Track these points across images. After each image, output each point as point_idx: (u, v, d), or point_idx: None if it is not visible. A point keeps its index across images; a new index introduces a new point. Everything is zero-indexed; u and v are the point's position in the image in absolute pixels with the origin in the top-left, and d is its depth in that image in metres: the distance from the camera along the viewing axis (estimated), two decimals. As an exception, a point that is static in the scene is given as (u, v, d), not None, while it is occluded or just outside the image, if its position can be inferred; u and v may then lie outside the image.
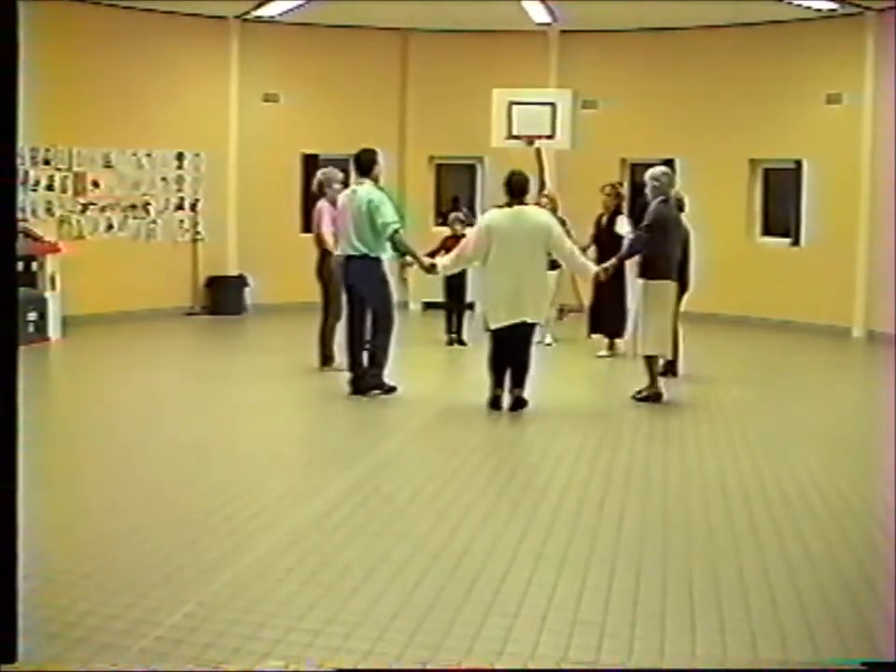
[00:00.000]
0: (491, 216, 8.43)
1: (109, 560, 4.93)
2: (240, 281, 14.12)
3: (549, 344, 11.25)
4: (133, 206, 13.39)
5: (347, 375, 8.91)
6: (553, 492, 6.18)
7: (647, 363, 8.79)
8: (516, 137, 12.92)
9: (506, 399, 8.33)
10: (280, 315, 13.43)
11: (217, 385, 9.53)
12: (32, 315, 11.15)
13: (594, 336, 11.05)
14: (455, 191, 15.40)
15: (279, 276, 13.48)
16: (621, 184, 11.97)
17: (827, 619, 4.36)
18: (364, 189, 8.70)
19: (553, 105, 12.89)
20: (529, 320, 8.33)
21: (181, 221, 13.87)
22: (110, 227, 13.21)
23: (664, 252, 8.66)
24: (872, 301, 12.73)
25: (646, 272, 8.71)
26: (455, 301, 11.69)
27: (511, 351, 8.31)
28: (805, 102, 13.26)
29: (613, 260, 8.92)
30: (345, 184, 9.93)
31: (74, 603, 4.33)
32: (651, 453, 7.20)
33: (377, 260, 8.71)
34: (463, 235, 10.73)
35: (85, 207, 12.96)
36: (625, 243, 9.55)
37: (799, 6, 12.32)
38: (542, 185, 12.40)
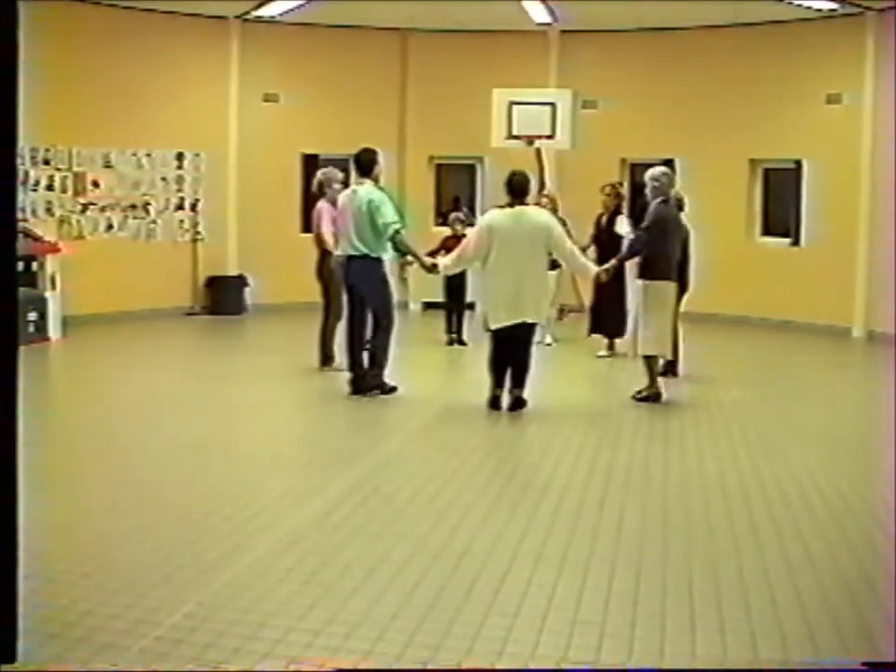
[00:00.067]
0: (492, 216, 8.43)
1: (109, 560, 4.93)
2: (240, 281, 14.12)
3: (549, 344, 11.25)
4: (133, 206, 13.40)
5: (347, 375, 8.91)
6: (552, 492, 6.18)
7: (646, 363, 8.79)
8: (516, 137, 12.92)
9: (506, 399, 8.33)
10: (280, 315, 13.43)
11: (217, 385, 9.53)
12: (32, 315, 11.16)
13: (593, 336, 11.05)
14: (454, 191, 15.41)
15: (279, 276, 13.48)
16: (620, 184, 11.97)
17: (827, 619, 4.36)
18: (365, 190, 8.70)
19: (552, 104, 12.89)
20: (529, 320, 8.33)
21: (181, 221, 13.88)
22: (110, 227, 13.21)
23: (663, 253, 8.66)
24: (872, 301, 12.73)
25: (646, 272, 8.71)
26: (454, 301, 11.69)
27: (511, 351, 8.32)
28: (805, 102, 13.26)
29: (614, 261, 8.92)
30: (345, 184, 9.94)
31: (74, 603, 4.33)
32: (650, 453, 7.20)
33: (378, 260, 8.71)
34: (463, 235, 10.74)
35: (85, 207, 12.96)
36: (625, 243, 9.56)
37: (799, 6, 12.32)
38: (542, 185, 12.40)
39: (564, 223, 9.49)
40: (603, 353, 10.89)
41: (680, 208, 9.41)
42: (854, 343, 12.83)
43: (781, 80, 13.31)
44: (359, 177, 8.86)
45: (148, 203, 13.54)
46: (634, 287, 9.03)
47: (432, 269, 8.91)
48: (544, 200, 10.95)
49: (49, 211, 12.60)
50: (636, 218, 10.23)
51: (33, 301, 11.16)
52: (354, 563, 4.89)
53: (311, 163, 13.68)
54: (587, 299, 11.22)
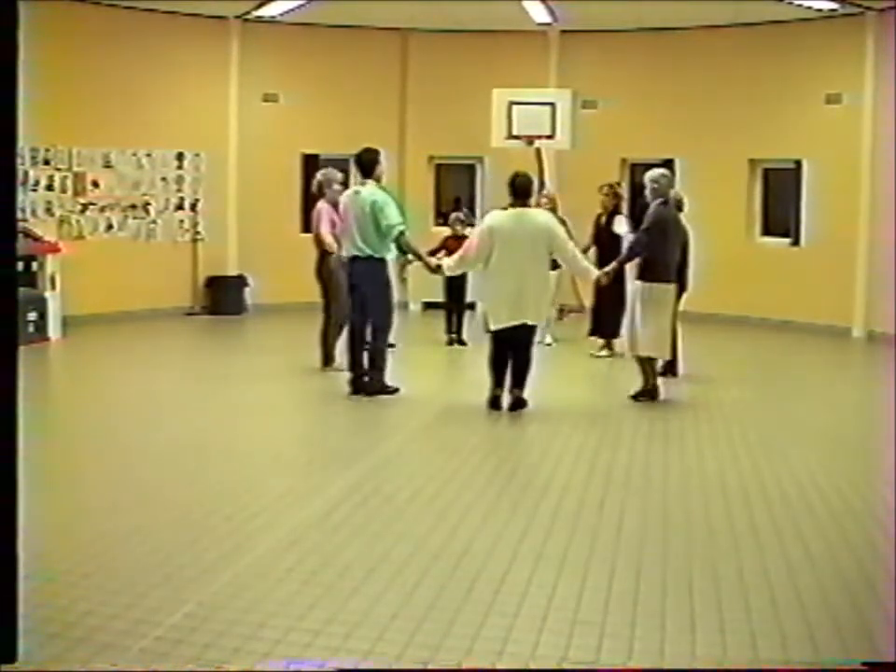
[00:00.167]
0: (493, 217, 8.43)
1: (109, 560, 4.93)
2: (240, 281, 14.12)
3: (549, 344, 11.25)
4: (133, 206, 13.40)
5: (347, 375, 8.91)
6: (552, 492, 6.18)
7: (640, 362, 8.81)
8: (516, 137, 12.93)
9: (506, 399, 8.33)
10: (280, 315, 13.43)
11: (217, 385, 9.53)
12: (32, 315, 11.16)
13: (592, 337, 11.04)
14: (454, 191, 15.41)
15: (279, 276, 13.49)
16: (619, 184, 11.97)
17: (827, 619, 4.36)
18: (367, 191, 8.69)
19: (553, 105, 12.89)
20: (530, 322, 8.34)
21: (181, 221, 13.88)
22: (110, 227, 13.21)
23: (663, 254, 8.66)
24: (872, 301, 12.73)
25: (645, 274, 8.71)
26: (454, 301, 11.69)
27: (511, 352, 8.33)
28: (805, 102, 13.26)
29: (614, 264, 8.92)
30: (345, 185, 9.96)
31: (74, 603, 4.33)
32: (651, 453, 7.20)
33: (382, 261, 8.70)
34: (464, 236, 10.77)
35: (85, 207, 12.96)
36: (624, 244, 9.55)
37: (799, 6, 12.32)
38: (542, 185, 12.40)
39: (564, 223, 9.49)
40: (602, 353, 10.89)
41: (680, 209, 9.41)
42: (854, 342, 12.83)
43: (781, 80, 13.31)
44: (361, 178, 8.85)
45: (148, 203, 13.54)
46: (633, 287, 9.03)
47: (436, 270, 8.92)
48: (544, 200, 10.95)
49: (48, 211, 12.60)
50: (635, 219, 10.23)
51: (33, 300, 11.16)
52: (354, 563, 4.89)
53: (311, 163, 13.67)
54: (587, 299, 11.22)
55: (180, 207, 13.86)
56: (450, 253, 10.15)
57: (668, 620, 4.31)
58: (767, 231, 13.99)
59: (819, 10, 12.53)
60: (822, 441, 7.74)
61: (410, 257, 9.45)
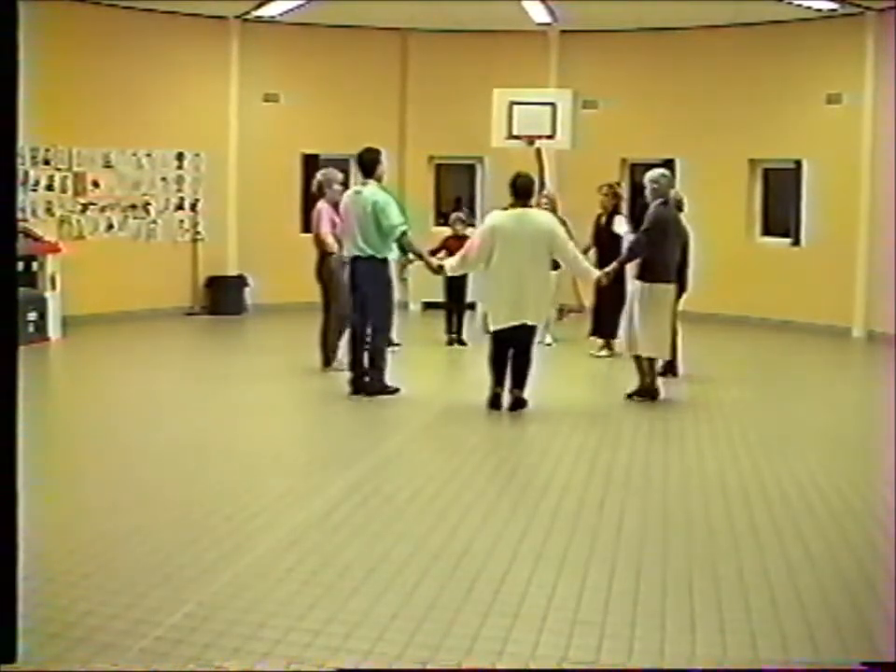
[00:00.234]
0: (495, 217, 8.42)
1: (109, 560, 4.93)
2: (240, 281, 14.12)
3: (549, 344, 11.25)
4: (133, 206, 13.40)
5: (348, 375, 8.91)
6: (552, 492, 6.18)
7: (637, 362, 8.82)
8: (516, 137, 12.92)
9: (506, 398, 8.33)
10: (280, 315, 13.43)
11: (217, 384, 9.53)
12: (32, 315, 11.16)
13: (593, 338, 11.05)
14: (454, 191, 15.41)
15: (279, 276, 13.49)
16: (618, 184, 11.95)
17: (827, 619, 4.36)
18: (369, 191, 8.68)
19: (553, 104, 12.89)
20: (530, 322, 8.34)
21: (181, 221, 13.88)
22: (110, 227, 13.22)
23: (662, 255, 8.66)
24: (872, 301, 12.73)
25: (645, 274, 8.72)
26: (455, 301, 11.69)
27: (511, 352, 8.33)
28: (805, 102, 13.26)
29: (614, 265, 8.92)
30: (345, 185, 9.96)
31: (74, 603, 4.33)
32: (651, 453, 7.20)
33: (384, 262, 8.69)
34: (464, 235, 10.77)
35: (85, 207, 12.96)
36: (624, 244, 9.55)
37: (799, 6, 12.32)
38: (542, 185, 12.40)
39: (564, 223, 9.49)
40: (602, 353, 10.89)
41: (680, 209, 9.41)
42: (854, 342, 12.83)
43: (781, 80, 13.31)
44: (362, 177, 8.85)
45: (148, 203, 13.54)
46: (632, 287, 9.03)
47: (439, 270, 8.92)
48: (543, 200, 10.94)
49: (48, 211, 12.60)
50: (636, 220, 10.22)
51: (33, 300, 11.16)
52: (354, 563, 4.89)
53: (311, 163, 13.67)
54: (587, 300, 11.22)
55: (180, 207, 13.86)
56: (451, 253, 10.16)
57: (668, 620, 4.31)
58: (767, 231, 14.00)
59: (819, 10, 12.53)
60: (822, 441, 7.74)
61: (411, 257, 9.44)
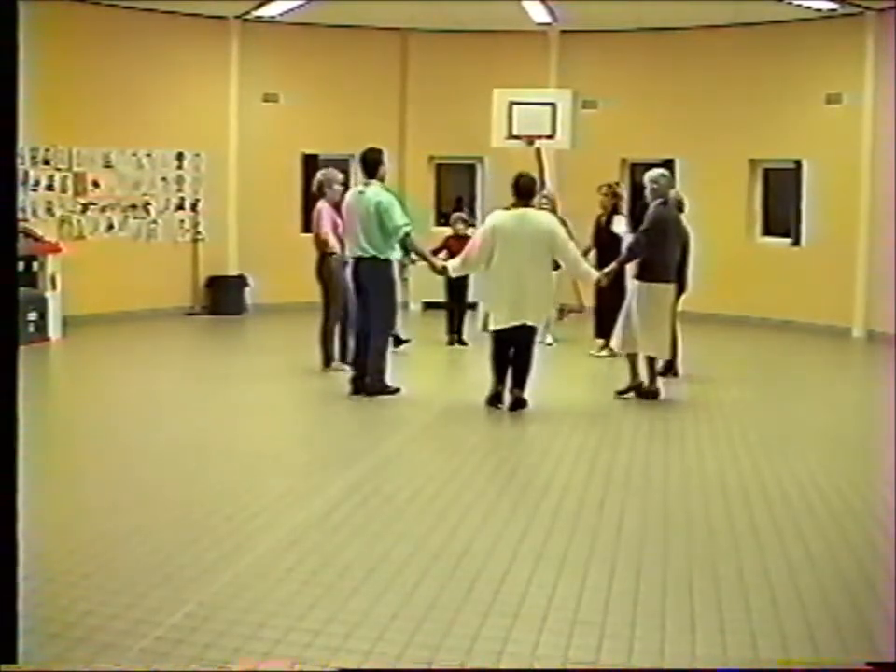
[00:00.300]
0: (496, 217, 8.42)
1: (109, 560, 4.93)
2: (240, 281, 14.12)
3: (549, 344, 11.25)
4: (134, 206, 13.40)
5: (348, 375, 8.91)
6: (553, 492, 6.18)
7: (630, 360, 8.83)
8: (516, 137, 12.93)
9: (506, 397, 8.33)
10: (280, 315, 13.43)
11: (217, 384, 9.53)
12: (32, 315, 11.16)
13: (599, 339, 11.05)
14: (454, 191, 15.42)
15: (279, 276, 13.49)
16: (617, 184, 11.93)
17: (827, 619, 4.36)
18: (372, 191, 8.67)
19: (553, 104, 12.89)
20: (530, 322, 8.34)
21: (181, 221, 13.88)
22: (110, 227, 13.22)
23: (662, 255, 8.67)
24: (872, 301, 12.73)
25: (644, 274, 8.72)
26: (456, 301, 11.68)
27: (512, 352, 8.33)
28: (805, 102, 13.26)
29: (614, 265, 8.93)
30: (345, 185, 9.96)
31: (74, 603, 4.33)
32: (651, 453, 7.20)
33: (387, 262, 8.68)
34: (465, 235, 10.78)
35: (85, 207, 12.96)
36: (623, 244, 9.55)
37: (799, 6, 12.32)
38: (542, 185, 12.39)
39: (564, 223, 9.50)
40: (601, 353, 10.88)
41: (680, 209, 9.41)
42: (854, 342, 12.83)
43: (781, 80, 13.31)
44: (365, 177, 8.83)
45: (149, 203, 13.54)
46: (631, 286, 9.03)
47: (442, 271, 8.92)
48: (543, 200, 10.93)
49: (49, 211, 12.61)
50: (636, 220, 10.22)
51: (33, 300, 11.16)
52: (354, 563, 4.89)
53: (311, 163, 13.68)
54: (588, 300, 11.21)
55: (180, 207, 13.86)
56: (452, 253, 10.17)
57: (668, 620, 4.31)
58: (767, 231, 14.00)
59: (819, 10, 12.53)
60: (822, 441, 7.74)
61: (414, 257, 9.45)
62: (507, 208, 8.41)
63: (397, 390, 8.79)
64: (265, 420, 8.34)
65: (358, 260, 8.71)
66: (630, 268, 9.17)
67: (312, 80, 14.39)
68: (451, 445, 7.44)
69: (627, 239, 9.78)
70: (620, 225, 10.78)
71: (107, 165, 13.12)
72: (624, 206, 11.54)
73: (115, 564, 4.87)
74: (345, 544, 5.19)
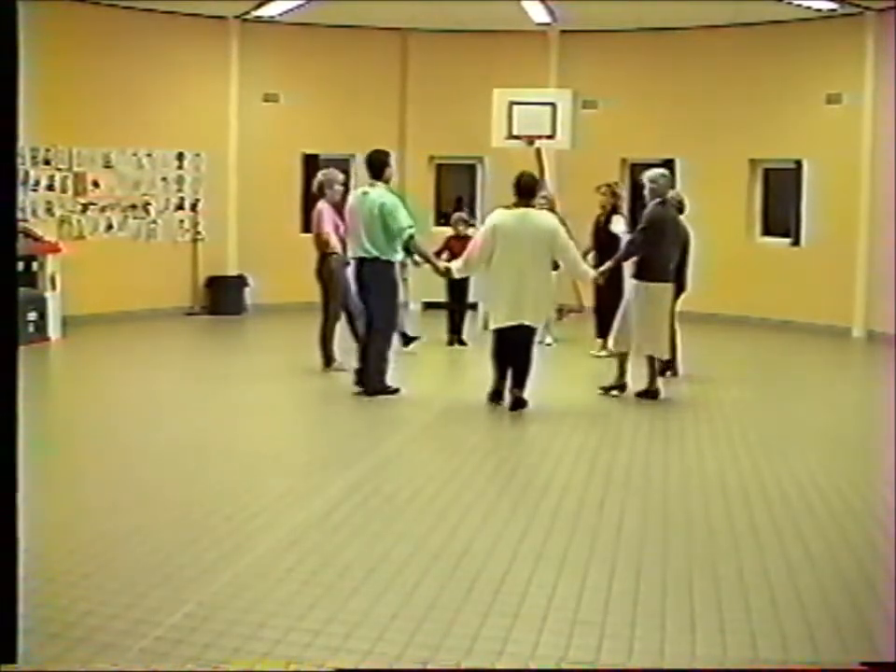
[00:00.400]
0: (497, 216, 8.42)
1: (109, 560, 4.93)
2: (240, 281, 14.12)
3: (549, 344, 11.25)
4: (134, 206, 13.40)
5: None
6: (553, 492, 6.18)
7: (619, 358, 8.92)
8: (516, 137, 12.92)
9: (507, 394, 8.34)
10: (280, 315, 13.43)
11: (217, 384, 9.53)
12: (32, 315, 11.16)
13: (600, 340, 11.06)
14: (455, 191, 15.41)
15: (279, 276, 13.49)
16: (616, 184, 11.93)
17: (827, 619, 4.36)
18: (376, 192, 8.66)
19: (553, 104, 12.89)
20: (529, 323, 8.34)
21: (181, 221, 13.88)
22: (110, 227, 13.21)
23: (659, 254, 8.68)
24: (872, 301, 12.73)
25: (641, 273, 8.73)
26: (456, 301, 11.68)
27: (511, 351, 8.34)
28: (805, 102, 13.26)
29: (609, 263, 8.96)
30: (345, 185, 9.97)
31: (74, 603, 4.33)
32: (651, 453, 7.20)
33: (389, 263, 8.67)
34: (466, 235, 10.78)
35: (85, 207, 12.96)
36: (622, 244, 9.56)
37: (799, 6, 12.32)
38: (541, 185, 12.39)
39: (563, 223, 9.49)
40: (601, 353, 10.88)
41: (681, 210, 9.41)
42: (854, 343, 12.83)
43: (781, 80, 13.32)
44: (370, 178, 8.82)
45: (149, 203, 13.54)
46: (628, 285, 9.04)
47: (446, 273, 8.92)
48: (542, 200, 10.92)
49: (49, 211, 12.60)
50: (635, 220, 10.22)
51: (33, 300, 11.16)
52: (354, 563, 4.89)
53: (311, 163, 13.69)
54: (587, 300, 11.21)
55: (180, 207, 13.86)
56: (453, 253, 10.19)
57: (668, 620, 4.31)
58: (767, 231, 14.00)
59: (819, 10, 12.53)
60: (822, 441, 7.74)
61: (418, 259, 9.46)
62: (508, 207, 8.41)
63: (397, 390, 8.79)
64: (265, 420, 8.34)
65: (361, 262, 8.70)
66: (628, 267, 9.18)
67: (312, 80, 14.39)
68: (451, 445, 7.44)
69: (626, 239, 9.78)
70: (618, 225, 10.77)
71: (107, 165, 13.12)
72: (624, 206, 11.54)
73: (115, 564, 4.87)
74: (345, 544, 5.19)
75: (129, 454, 6.97)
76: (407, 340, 10.81)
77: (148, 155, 13.48)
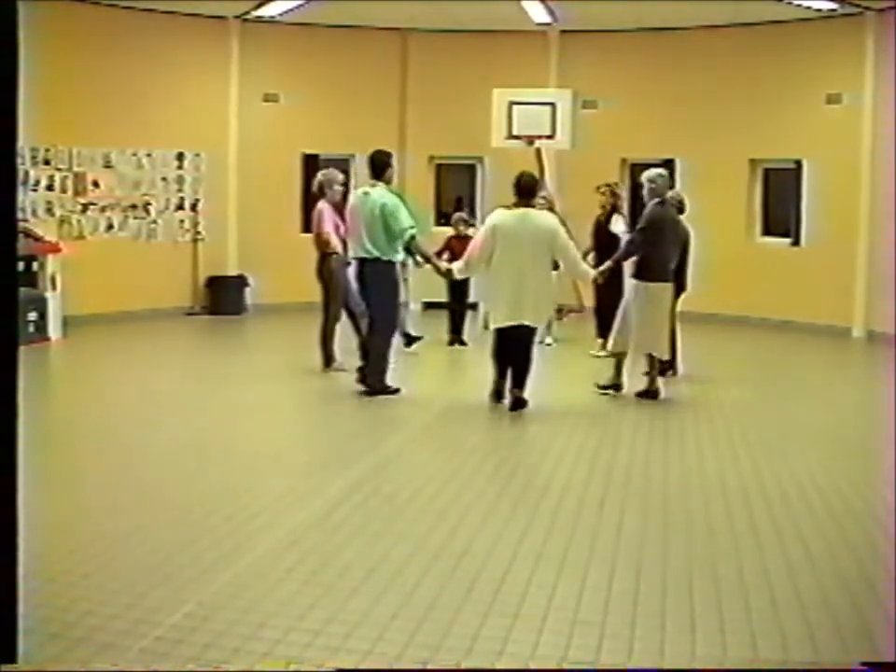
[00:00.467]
0: (497, 215, 8.42)
1: (109, 560, 4.93)
2: (240, 281, 14.12)
3: (549, 344, 11.25)
4: (134, 206, 13.40)
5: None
6: (553, 492, 6.18)
7: (616, 359, 8.94)
8: (516, 137, 12.92)
9: (507, 391, 8.34)
10: (280, 315, 13.43)
11: (217, 384, 9.53)
12: (32, 315, 11.15)
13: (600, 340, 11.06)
14: (455, 191, 15.41)
15: (279, 276, 13.49)
16: (616, 184, 11.93)
17: (827, 619, 4.36)
18: (378, 193, 8.65)
19: (553, 104, 12.89)
20: (528, 323, 8.34)
21: (181, 221, 13.88)
22: (110, 227, 13.21)
23: (658, 254, 8.68)
24: (872, 301, 12.73)
25: (640, 273, 8.74)
26: (457, 301, 11.68)
27: (511, 351, 8.35)
28: (805, 102, 13.26)
29: (608, 263, 8.97)
30: (345, 185, 9.97)
31: (74, 603, 4.33)
32: (651, 453, 7.20)
33: (390, 264, 8.67)
34: (467, 236, 10.78)
35: (85, 207, 12.96)
36: (622, 244, 9.56)
37: (799, 6, 12.32)
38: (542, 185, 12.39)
39: (563, 224, 9.49)
40: (601, 353, 10.87)
41: (681, 210, 9.41)
42: (854, 343, 12.83)
43: (781, 80, 13.32)
44: (372, 178, 8.82)
45: (149, 203, 13.54)
46: (627, 285, 9.04)
47: (447, 274, 8.92)
48: (541, 201, 10.92)
49: (49, 211, 12.60)
50: (635, 220, 10.22)
51: (33, 300, 11.16)
52: (354, 563, 4.89)
53: (311, 163, 13.69)
54: (587, 300, 11.21)
55: (180, 207, 13.86)
56: (453, 253, 10.19)
57: (668, 620, 4.31)
58: (767, 231, 13.99)
59: (819, 10, 12.53)
60: (822, 441, 7.74)
61: (419, 259, 9.46)
62: (508, 207, 8.41)
63: (397, 390, 8.79)
64: (265, 420, 8.34)
65: (362, 262, 8.71)
66: (628, 267, 9.18)
67: (312, 80, 14.39)
68: (451, 445, 7.44)
69: (625, 238, 9.79)
70: (618, 224, 10.77)
71: (107, 165, 13.12)
72: (624, 206, 11.54)
73: (115, 564, 4.87)
74: (345, 544, 5.19)
75: (129, 454, 6.97)
76: (409, 340, 10.81)
77: (148, 155, 13.48)
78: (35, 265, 11.48)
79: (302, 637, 4.06)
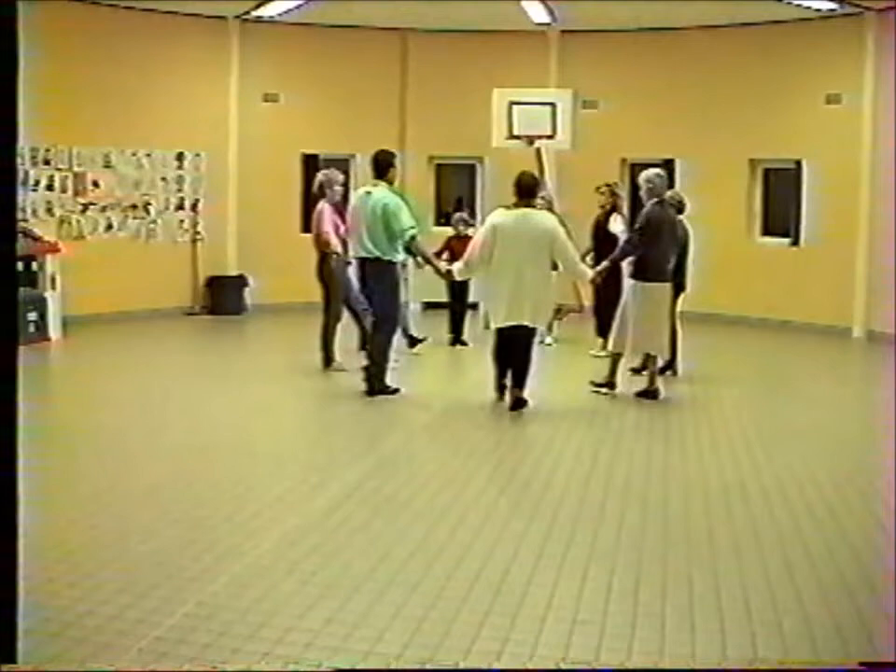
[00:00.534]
0: (496, 216, 8.42)
1: (109, 560, 4.93)
2: (240, 281, 14.12)
3: (549, 344, 11.25)
4: (134, 206, 13.40)
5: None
6: (553, 492, 6.18)
7: (613, 358, 8.95)
8: (516, 137, 12.91)
9: (508, 391, 8.35)
10: (280, 315, 13.43)
11: (218, 384, 9.52)
12: (32, 315, 11.15)
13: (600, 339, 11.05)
14: (454, 191, 15.41)
15: (279, 276, 13.49)
16: (616, 184, 11.92)
17: (827, 619, 4.36)
18: (379, 192, 8.65)
19: (553, 104, 12.88)
20: (528, 324, 8.34)
21: (181, 221, 13.88)
22: (110, 227, 13.21)
23: (656, 254, 8.68)
24: (872, 301, 12.73)
25: (638, 273, 8.74)
26: (457, 301, 11.68)
27: (511, 350, 8.35)
28: (805, 102, 13.26)
29: (606, 263, 8.97)
30: (345, 185, 9.97)
31: (73, 603, 4.33)
32: (651, 452, 7.20)
33: (391, 264, 8.67)
34: (467, 236, 10.78)
35: (85, 207, 12.95)
36: (619, 243, 9.56)
37: (799, 6, 12.32)
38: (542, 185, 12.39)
39: (563, 224, 9.49)
40: (601, 353, 10.87)
41: (680, 210, 9.41)
42: (854, 343, 12.82)
43: (781, 80, 13.31)
44: (374, 177, 8.81)
45: (148, 203, 13.54)
46: (626, 285, 9.04)
47: (448, 274, 8.92)
48: (540, 201, 10.91)
49: (49, 211, 12.60)
50: (635, 219, 10.21)
51: (33, 300, 11.16)
52: (354, 563, 4.89)
53: (311, 163, 13.69)
54: (587, 300, 11.21)
55: (180, 207, 13.86)
56: (454, 254, 10.18)
57: (668, 620, 4.31)
58: (767, 231, 13.99)
59: (819, 10, 12.53)
60: (822, 441, 7.74)
61: (420, 260, 9.46)
62: (508, 207, 8.41)
63: (396, 390, 8.79)
64: (265, 420, 8.33)
65: (363, 262, 8.71)
66: (626, 267, 9.18)
67: (312, 80, 14.38)
68: (451, 445, 7.44)
69: (623, 238, 9.79)
70: (617, 224, 10.77)
71: (107, 165, 13.11)
72: (624, 206, 11.53)
73: (114, 564, 4.87)
74: (345, 544, 5.19)
75: (129, 454, 6.97)
76: (413, 341, 10.81)
77: (148, 155, 13.48)
78: (34, 265, 11.47)
79: (302, 636, 4.06)
